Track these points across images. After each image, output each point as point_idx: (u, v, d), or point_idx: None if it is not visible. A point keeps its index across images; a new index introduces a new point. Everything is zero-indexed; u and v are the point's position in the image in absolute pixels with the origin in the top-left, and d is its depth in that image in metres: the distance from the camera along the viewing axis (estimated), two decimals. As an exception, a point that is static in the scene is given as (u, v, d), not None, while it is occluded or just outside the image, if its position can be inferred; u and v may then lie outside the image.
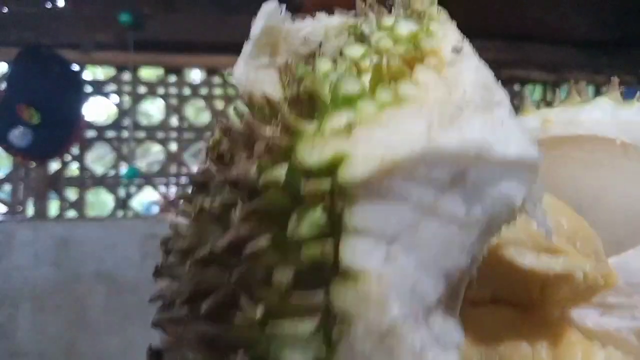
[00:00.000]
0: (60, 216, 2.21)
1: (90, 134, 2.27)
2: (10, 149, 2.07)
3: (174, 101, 2.37)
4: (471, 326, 0.33)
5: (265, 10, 0.27)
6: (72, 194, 2.27)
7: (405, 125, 0.21)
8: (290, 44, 0.28)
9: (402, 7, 0.27)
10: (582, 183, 0.50)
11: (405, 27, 0.26)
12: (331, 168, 0.21)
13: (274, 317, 0.21)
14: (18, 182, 2.17)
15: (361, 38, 0.27)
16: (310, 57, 0.27)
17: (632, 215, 0.46)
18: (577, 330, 0.37)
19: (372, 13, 0.28)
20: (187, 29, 2.25)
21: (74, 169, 2.26)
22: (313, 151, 0.21)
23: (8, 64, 2.13)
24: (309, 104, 0.23)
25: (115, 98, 2.31)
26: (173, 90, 2.37)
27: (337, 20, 0.28)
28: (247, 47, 0.27)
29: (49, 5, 2.20)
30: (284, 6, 0.28)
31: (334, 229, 0.21)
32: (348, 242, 0.21)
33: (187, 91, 2.39)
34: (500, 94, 0.23)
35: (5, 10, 2.13)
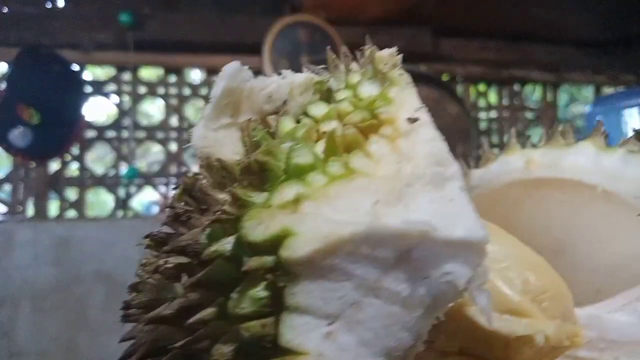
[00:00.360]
0: (60, 216, 2.22)
1: (90, 134, 2.27)
2: (10, 149, 2.07)
3: (174, 101, 2.36)
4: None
5: (227, 71, 0.27)
6: (72, 194, 2.27)
7: (352, 201, 0.22)
8: (255, 101, 0.28)
9: (370, 62, 0.27)
10: (564, 225, 0.50)
11: (367, 90, 0.26)
12: (275, 244, 0.21)
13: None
14: (18, 182, 2.17)
15: (327, 95, 0.27)
16: (275, 116, 0.27)
17: (612, 265, 0.46)
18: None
19: (343, 66, 0.28)
20: (187, 29, 2.26)
21: (74, 169, 2.26)
22: (259, 226, 0.22)
23: (8, 64, 2.13)
24: (260, 174, 0.23)
25: (115, 98, 2.31)
26: (173, 90, 2.36)
27: (303, 77, 0.28)
28: (206, 109, 0.28)
29: (49, 5, 2.20)
30: (246, 67, 0.28)
31: (276, 305, 0.22)
32: (288, 320, 0.21)
33: (187, 91, 2.38)
34: (453, 168, 0.23)
35: (5, 10, 2.13)
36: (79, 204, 2.24)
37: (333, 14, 2.27)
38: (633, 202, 0.44)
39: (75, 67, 2.19)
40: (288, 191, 0.22)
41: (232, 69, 0.28)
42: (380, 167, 0.23)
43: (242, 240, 0.22)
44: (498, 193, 0.52)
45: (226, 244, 0.22)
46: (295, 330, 0.21)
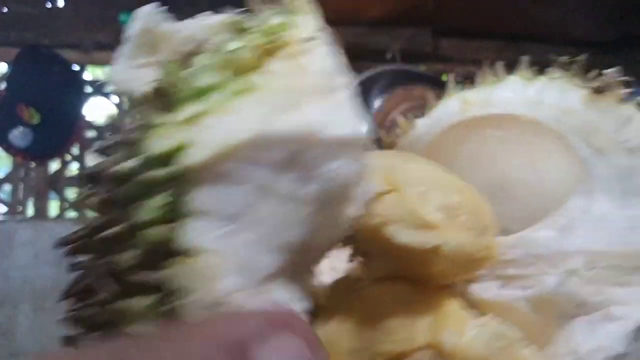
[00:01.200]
0: (60, 216, 2.22)
1: (90, 134, 2.27)
2: (10, 149, 2.08)
3: (173, 101, 2.37)
4: (366, 303, 0.38)
5: (142, 13, 0.30)
6: (72, 194, 2.27)
7: (248, 111, 0.23)
8: (172, 43, 0.30)
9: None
10: (503, 161, 0.52)
11: (274, 19, 0.28)
12: (174, 155, 0.23)
13: (120, 297, 0.23)
14: (18, 182, 2.17)
15: (242, 33, 0.29)
16: (190, 55, 0.29)
17: (543, 191, 0.48)
18: (458, 302, 0.40)
19: (260, 7, 0.30)
20: (186, 29, 2.25)
21: (74, 169, 2.26)
22: (159, 141, 0.23)
23: (8, 64, 2.13)
24: (163, 98, 0.25)
25: (115, 98, 2.31)
26: (173, 90, 2.37)
27: (219, 19, 0.30)
28: (124, 49, 0.30)
29: (49, 5, 2.21)
30: (164, 8, 0.30)
31: (176, 212, 0.23)
32: (188, 224, 0.23)
33: (187, 91, 2.39)
34: (343, 79, 0.26)
35: (5, 10, 2.14)
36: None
37: (333, 14, 2.26)
38: (554, 126, 0.45)
39: (75, 67, 2.19)
40: (189, 109, 0.24)
41: (148, 11, 0.30)
42: (277, 82, 0.25)
43: (144, 157, 0.23)
44: (440, 138, 0.54)
45: (130, 162, 0.23)
46: (195, 233, 0.23)
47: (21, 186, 2.17)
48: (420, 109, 0.58)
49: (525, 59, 0.50)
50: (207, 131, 0.23)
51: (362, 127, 0.25)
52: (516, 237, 0.44)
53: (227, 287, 0.23)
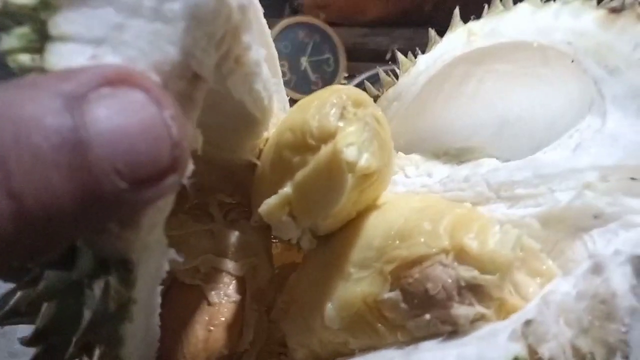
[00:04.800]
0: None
1: None
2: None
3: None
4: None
5: None
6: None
7: None
8: None
9: None
10: (510, 96, 0.52)
11: None
12: None
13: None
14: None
15: None
16: None
17: (550, 121, 0.48)
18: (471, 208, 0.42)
19: None
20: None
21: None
22: None
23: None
24: None
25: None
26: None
27: None
28: None
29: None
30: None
31: (42, 38, 0.24)
32: (54, 49, 0.23)
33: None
34: None
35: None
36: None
37: (333, 15, 2.27)
38: (566, 49, 0.45)
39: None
40: None
41: None
42: None
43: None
44: (444, 72, 0.53)
45: None
46: (61, 57, 0.23)
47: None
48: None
49: None
50: None
51: None
52: (522, 160, 0.45)
53: None
